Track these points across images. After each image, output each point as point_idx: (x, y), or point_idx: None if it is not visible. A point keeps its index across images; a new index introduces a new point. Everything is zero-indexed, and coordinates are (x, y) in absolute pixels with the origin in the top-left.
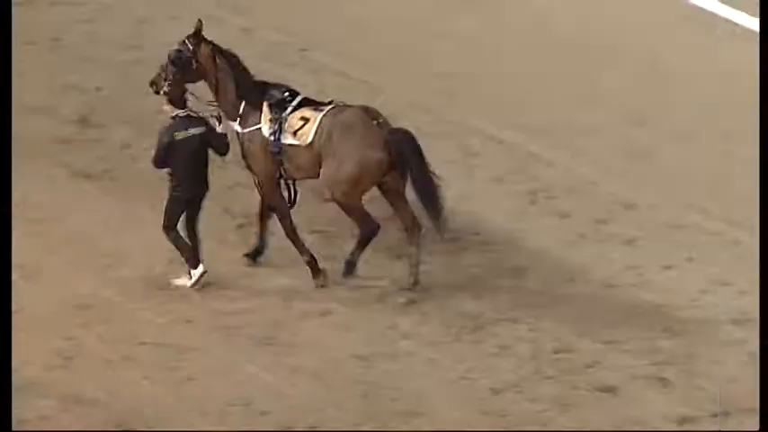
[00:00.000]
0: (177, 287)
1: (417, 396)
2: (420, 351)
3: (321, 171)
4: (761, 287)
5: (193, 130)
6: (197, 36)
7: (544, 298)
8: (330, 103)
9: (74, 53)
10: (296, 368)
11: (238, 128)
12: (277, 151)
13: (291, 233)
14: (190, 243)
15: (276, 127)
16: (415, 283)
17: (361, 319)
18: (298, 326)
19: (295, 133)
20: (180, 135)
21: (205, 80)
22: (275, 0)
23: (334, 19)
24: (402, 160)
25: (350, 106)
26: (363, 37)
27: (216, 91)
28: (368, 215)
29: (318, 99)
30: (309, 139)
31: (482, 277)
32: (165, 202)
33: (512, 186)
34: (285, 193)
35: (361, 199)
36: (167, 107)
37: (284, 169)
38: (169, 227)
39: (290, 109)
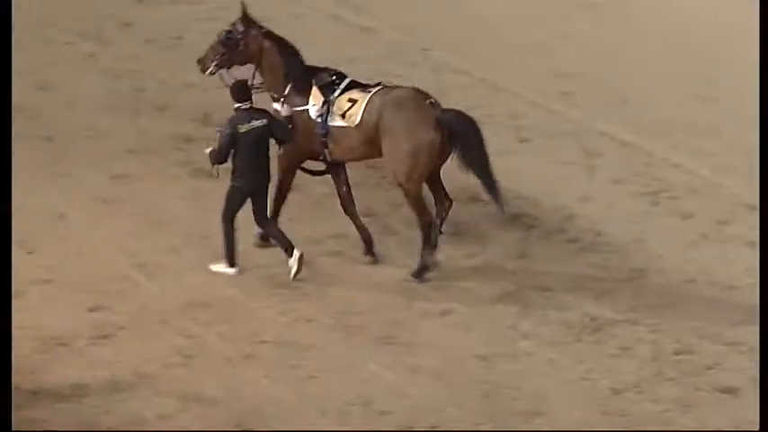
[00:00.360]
0: (217, 273)
1: (538, 396)
2: (540, 351)
3: (383, 153)
4: (761, 287)
5: (256, 123)
6: (246, 18)
7: (665, 299)
8: (378, 84)
9: (194, 51)
10: (416, 368)
11: (280, 107)
12: (323, 133)
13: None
14: (273, 236)
15: (324, 109)
16: (428, 264)
17: (481, 318)
18: (418, 325)
19: (343, 115)
20: (243, 128)
21: (252, 63)
22: (399, 0)
23: (456, 18)
24: (456, 138)
25: (400, 87)
26: (485, 36)
27: (263, 73)
28: (425, 206)
29: (439, 98)
30: (358, 119)
31: (602, 278)
32: (226, 192)
33: (633, 187)
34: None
35: (421, 184)
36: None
37: (329, 151)
38: (226, 217)
39: (338, 91)
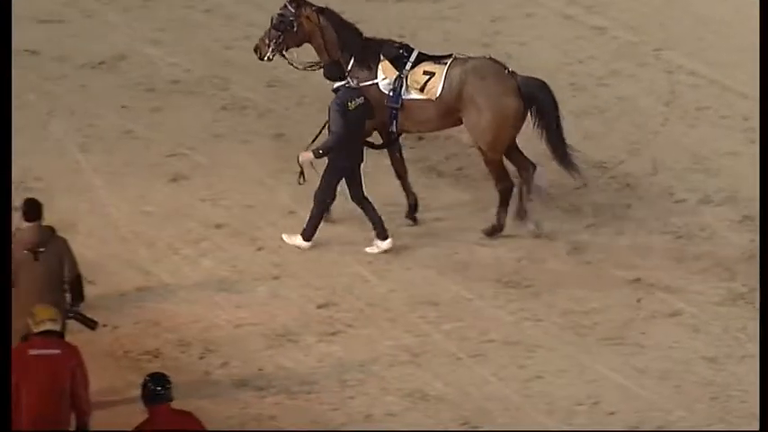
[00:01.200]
0: (294, 245)
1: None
2: None
3: (465, 123)
4: (761, 286)
5: (358, 100)
6: (297, 0)
7: None
8: (449, 55)
9: (426, 50)
10: (644, 369)
11: (346, 83)
12: (396, 107)
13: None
14: (369, 215)
15: (396, 83)
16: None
17: (710, 320)
18: (647, 326)
19: (422, 88)
20: (352, 104)
21: (309, 42)
22: (631, 0)
23: (689, 19)
24: (534, 104)
25: (474, 57)
26: (718, 37)
27: (321, 52)
28: (506, 172)
29: (670, 99)
30: (438, 92)
31: None
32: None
33: None
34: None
35: (503, 152)
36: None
37: (398, 124)
38: (325, 195)
39: (409, 64)
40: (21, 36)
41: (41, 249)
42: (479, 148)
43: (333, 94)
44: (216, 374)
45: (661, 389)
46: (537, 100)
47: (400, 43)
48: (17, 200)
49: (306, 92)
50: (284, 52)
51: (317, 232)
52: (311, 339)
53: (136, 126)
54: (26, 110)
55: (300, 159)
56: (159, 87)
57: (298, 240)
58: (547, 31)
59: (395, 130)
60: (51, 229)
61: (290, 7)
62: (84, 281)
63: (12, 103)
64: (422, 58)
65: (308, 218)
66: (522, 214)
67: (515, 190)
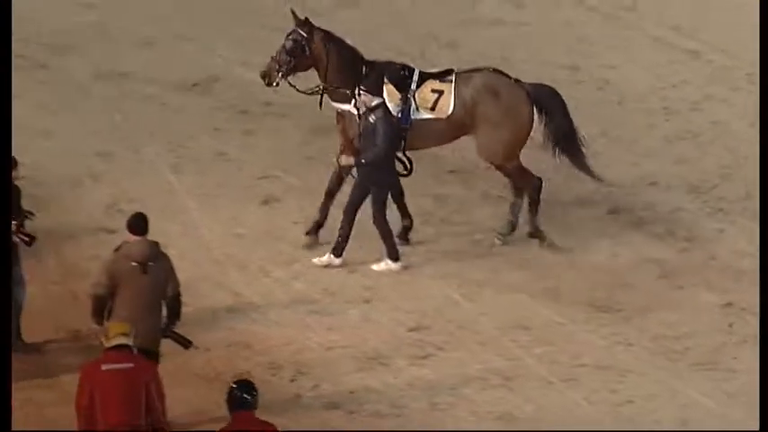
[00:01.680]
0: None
1: None
2: None
3: (477, 140)
4: (761, 286)
5: (394, 119)
6: (308, 24)
7: None
8: (451, 71)
9: (517, 73)
10: (735, 394)
11: (354, 108)
12: (405, 127)
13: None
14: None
15: (405, 104)
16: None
17: None
18: (738, 350)
19: (433, 107)
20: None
21: (316, 67)
22: (724, 24)
23: None
24: (544, 109)
25: (477, 70)
26: None
27: (326, 75)
28: (529, 171)
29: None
30: (450, 110)
31: None
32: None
33: None
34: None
35: (518, 156)
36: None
37: (406, 144)
38: (380, 217)
39: (414, 84)
40: (115, 59)
41: (150, 263)
42: (493, 163)
43: None
44: (307, 397)
45: (753, 414)
46: (547, 106)
47: (401, 64)
48: (110, 222)
49: None
50: (289, 77)
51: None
52: (402, 362)
53: (228, 148)
54: (119, 132)
55: (342, 162)
56: (252, 110)
57: (391, 265)
58: (639, 55)
59: (403, 150)
60: (158, 245)
61: (301, 32)
62: (180, 301)
63: (12, 103)
64: (424, 76)
65: (383, 242)
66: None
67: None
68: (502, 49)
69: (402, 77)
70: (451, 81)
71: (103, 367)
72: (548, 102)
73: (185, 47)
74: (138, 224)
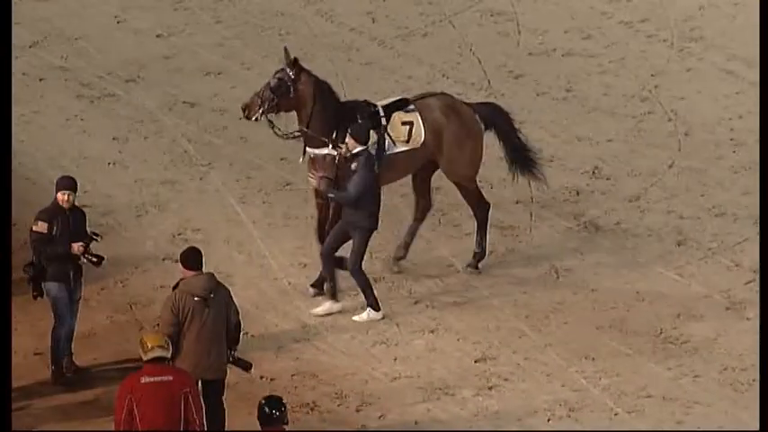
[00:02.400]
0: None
1: None
2: None
3: (444, 162)
4: (761, 287)
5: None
6: (297, 65)
7: None
8: (407, 100)
9: (586, 104)
10: None
11: (336, 149)
12: (378, 164)
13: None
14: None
15: (380, 141)
16: (479, 260)
17: None
18: None
19: (408, 140)
20: (376, 168)
21: (297, 110)
22: None
23: None
24: (495, 127)
25: (428, 95)
26: None
27: (309, 119)
28: (482, 193)
29: None
30: (422, 138)
31: None
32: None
33: None
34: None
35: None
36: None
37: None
38: (355, 264)
39: (383, 120)
40: (182, 88)
41: (212, 296)
42: (458, 184)
43: None
44: (372, 427)
45: None
46: (494, 123)
47: (365, 101)
48: (176, 251)
49: None
50: (270, 116)
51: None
52: (468, 393)
53: (294, 178)
54: (185, 161)
55: (321, 186)
56: None
57: (372, 315)
58: (707, 86)
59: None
60: (214, 276)
61: (289, 72)
62: (241, 327)
63: (12, 103)
64: (388, 110)
65: (363, 293)
66: (402, 251)
67: (407, 227)
68: (569, 80)
69: (372, 114)
70: (415, 110)
71: (143, 380)
72: (494, 118)
73: (252, 77)
74: (193, 259)
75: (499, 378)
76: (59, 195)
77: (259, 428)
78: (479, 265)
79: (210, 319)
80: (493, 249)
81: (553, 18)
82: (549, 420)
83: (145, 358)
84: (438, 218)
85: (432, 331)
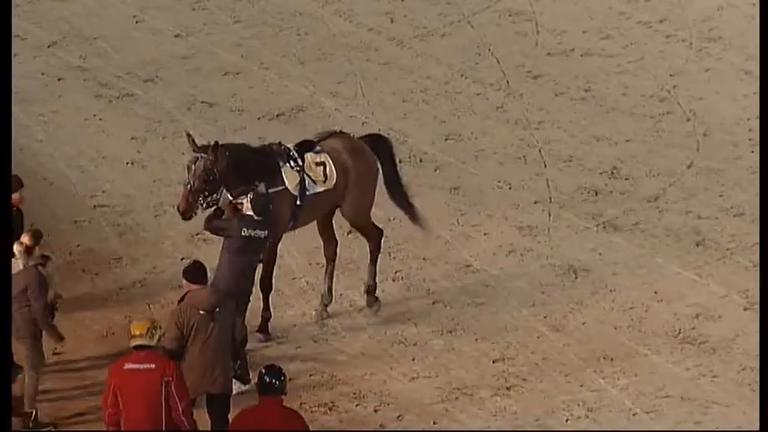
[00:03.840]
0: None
1: None
2: None
3: (347, 203)
4: (761, 288)
5: (259, 232)
6: (215, 147)
7: None
8: (312, 141)
9: (604, 104)
10: None
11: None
12: (301, 204)
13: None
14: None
15: (301, 181)
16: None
17: None
18: None
19: (325, 180)
20: (251, 233)
21: (225, 184)
22: None
23: None
24: (381, 161)
25: (328, 136)
26: None
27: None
28: (374, 223)
29: None
30: (335, 178)
31: None
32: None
33: None
34: None
35: None
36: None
37: (295, 223)
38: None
39: (299, 160)
40: (200, 88)
41: (218, 310)
42: (354, 222)
43: None
44: (391, 427)
45: None
46: (381, 157)
47: (279, 143)
48: (195, 251)
49: (483, 145)
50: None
51: None
52: (486, 393)
53: None
54: None
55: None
56: None
57: (242, 387)
58: (725, 86)
59: (294, 227)
60: (221, 291)
61: (210, 158)
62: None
63: (12, 103)
64: (300, 151)
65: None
66: (328, 297)
67: (324, 270)
68: (588, 80)
69: (289, 155)
70: (323, 150)
71: (126, 366)
72: (381, 152)
73: (270, 77)
74: (197, 273)
75: (517, 378)
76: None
77: None
78: (376, 296)
79: (215, 334)
80: (512, 249)
81: (572, 18)
82: (567, 421)
83: (130, 345)
84: (456, 218)
85: (450, 331)
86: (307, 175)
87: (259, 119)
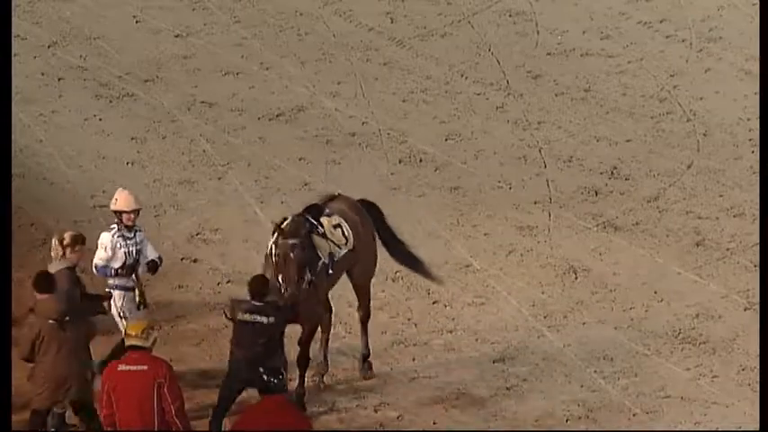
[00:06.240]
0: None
1: None
2: None
3: (359, 265)
4: (761, 289)
5: (259, 317)
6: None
7: None
8: (316, 205)
9: (604, 104)
10: None
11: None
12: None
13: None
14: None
15: (328, 250)
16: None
17: None
18: None
19: (346, 242)
20: (248, 317)
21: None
22: None
23: None
24: (376, 225)
25: (329, 200)
26: None
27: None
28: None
29: None
30: (352, 239)
31: None
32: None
33: None
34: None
35: None
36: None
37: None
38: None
39: (318, 227)
40: (200, 88)
41: (67, 318)
42: (358, 285)
43: None
44: (391, 426)
45: None
46: (375, 219)
47: (300, 214)
48: (194, 251)
49: (483, 145)
50: None
51: None
52: (486, 393)
53: (313, 178)
54: (204, 161)
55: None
56: (337, 140)
57: None
58: (726, 87)
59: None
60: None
61: (290, 239)
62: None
63: (12, 103)
64: (315, 215)
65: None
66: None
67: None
68: (588, 80)
69: (311, 224)
70: (333, 213)
71: (120, 368)
72: (374, 214)
73: (271, 77)
74: (44, 283)
75: (517, 378)
76: None
77: None
78: (370, 361)
79: (68, 343)
80: (512, 249)
81: (572, 18)
82: (567, 421)
83: (125, 345)
84: (456, 218)
85: (450, 331)
86: (330, 241)
87: (259, 119)
